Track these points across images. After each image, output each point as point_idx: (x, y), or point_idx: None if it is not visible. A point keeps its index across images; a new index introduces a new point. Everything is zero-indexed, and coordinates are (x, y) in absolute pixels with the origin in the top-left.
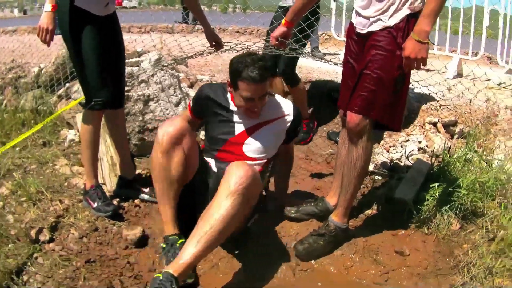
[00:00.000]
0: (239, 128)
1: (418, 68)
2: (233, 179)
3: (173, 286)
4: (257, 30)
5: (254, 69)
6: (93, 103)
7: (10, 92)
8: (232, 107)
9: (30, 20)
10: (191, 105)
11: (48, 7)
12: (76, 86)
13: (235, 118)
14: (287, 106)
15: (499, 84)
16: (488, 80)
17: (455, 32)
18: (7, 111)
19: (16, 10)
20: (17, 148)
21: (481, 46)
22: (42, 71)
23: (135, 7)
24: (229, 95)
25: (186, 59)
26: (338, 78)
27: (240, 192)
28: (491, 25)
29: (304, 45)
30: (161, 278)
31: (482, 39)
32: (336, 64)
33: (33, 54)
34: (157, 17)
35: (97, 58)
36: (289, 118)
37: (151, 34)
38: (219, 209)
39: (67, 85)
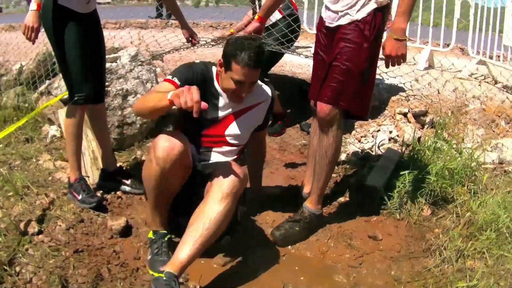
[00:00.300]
0: (224, 112)
1: (399, 64)
2: (227, 183)
3: (176, 285)
4: (230, 24)
5: (252, 54)
6: (76, 98)
7: None
8: (219, 89)
9: (6, 18)
10: (177, 81)
11: (33, 6)
12: (57, 82)
13: (221, 101)
14: (266, 90)
15: (470, 75)
16: (460, 71)
17: (426, 23)
18: None
19: None
20: (0, 145)
21: (452, 37)
22: (23, 69)
23: (109, 2)
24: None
25: (164, 54)
26: (310, 71)
27: (233, 195)
28: (463, 16)
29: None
30: (164, 278)
31: (453, 30)
32: (307, 56)
33: (12, 52)
34: (130, 12)
35: (79, 54)
36: (268, 102)
37: (126, 30)
38: (213, 212)
39: (47, 81)
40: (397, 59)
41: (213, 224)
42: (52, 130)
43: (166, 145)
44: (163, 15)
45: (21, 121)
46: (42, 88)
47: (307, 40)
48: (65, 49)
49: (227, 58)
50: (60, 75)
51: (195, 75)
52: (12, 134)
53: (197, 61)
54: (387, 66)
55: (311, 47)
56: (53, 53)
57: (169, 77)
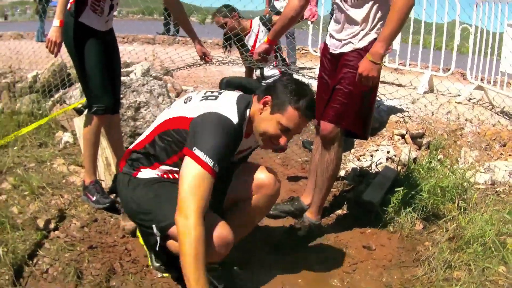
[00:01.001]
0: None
1: (368, 84)
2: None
3: None
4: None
5: (311, 103)
6: (95, 108)
7: (7, 96)
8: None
9: (12, 26)
10: (217, 168)
11: (56, 22)
12: (71, 92)
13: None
14: None
15: (469, 100)
16: (458, 95)
17: (428, 47)
18: (4, 114)
19: None
20: (15, 148)
21: (452, 61)
22: (38, 77)
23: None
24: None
25: (177, 70)
26: (313, 92)
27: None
28: (464, 40)
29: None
30: None
31: (453, 55)
32: (310, 77)
33: (24, 60)
34: (137, 27)
35: (99, 68)
36: None
37: (134, 44)
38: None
39: (62, 91)
40: (367, 79)
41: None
42: (66, 137)
43: (226, 235)
44: (171, 31)
45: (37, 122)
46: (56, 96)
47: (311, 62)
48: (86, 64)
49: (282, 99)
50: (75, 85)
51: (232, 147)
52: (27, 139)
53: (226, 113)
54: (357, 83)
55: (315, 68)
56: (68, 64)
57: (207, 160)
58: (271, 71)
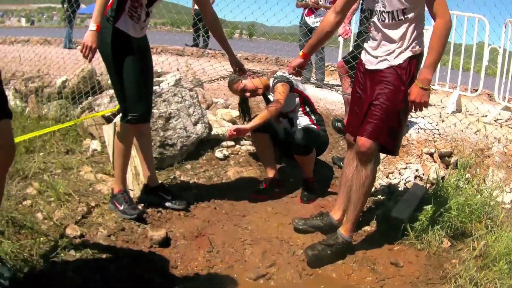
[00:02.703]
0: None
1: (421, 110)
2: None
3: None
4: (266, 58)
5: None
6: (130, 117)
7: (34, 100)
8: None
9: (38, 31)
10: None
11: (93, 26)
12: (100, 100)
13: None
14: None
15: (496, 120)
16: (485, 116)
17: (456, 68)
18: (31, 118)
19: (23, 20)
20: (41, 154)
21: (480, 82)
22: (67, 83)
23: None
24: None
25: (211, 82)
26: (343, 108)
27: None
28: (492, 62)
29: None
30: None
31: (481, 76)
32: (337, 91)
33: (52, 66)
34: (164, 38)
35: (136, 76)
36: None
37: (163, 55)
38: None
39: (90, 98)
40: (419, 106)
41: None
42: (94, 144)
43: None
44: (200, 44)
45: (65, 124)
46: (85, 103)
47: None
48: (122, 71)
49: None
50: (104, 92)
51: None
52: (53, 145)
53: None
54: (409, 110)
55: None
56: (98, 71)
57: None
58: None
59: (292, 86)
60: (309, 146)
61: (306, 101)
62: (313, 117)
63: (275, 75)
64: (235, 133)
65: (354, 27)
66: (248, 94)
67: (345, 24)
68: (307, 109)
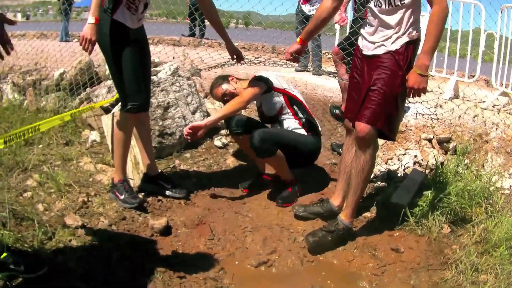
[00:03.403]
0: None
1: (419, 96)
2: None
3: None
4: (262, 47)
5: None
6: (129, 106)
7: (32, 93)
8: None
9: (34, 26)
10: None
11: (91, 19)
12: (98, 91)
13: None
14: None
15: (493, 106)
16: (483, 101)
17: (453, 54)
18: (29, 111)
19: (19, 15)
20: (41, 146)
21: (477, 68)
22: (65, 75)
23: None
24: None
25: (208, 69)
26: (341, 95)
27: None
28: (488, 47)
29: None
30: None
31: (478, 61)
32: (335, 77)
33: (49, 59)
34: (160, 29)
35: (134, 66)
36: None
37: (160, 46)
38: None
39: (88, 89)
40: (418, 92)
41: None
42: (93, 135)
43: None
44: (196, 34)
45: (64, 114)
46: (83, 95)
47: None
48: (119, 62)
49: None
50: (102, 83)
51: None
52: (52, 136)
53: None
54: (408, 96)
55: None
56: (95, 63)
57: None
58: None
59: (271, 88)
60: (266, 149)
61: (293, 101)
62: (303, 120)
63: (257, 75)
64: (190, 131)
65: (350, 14)
66: (229, 98)
67: (341, 12)
68: (296, 109)
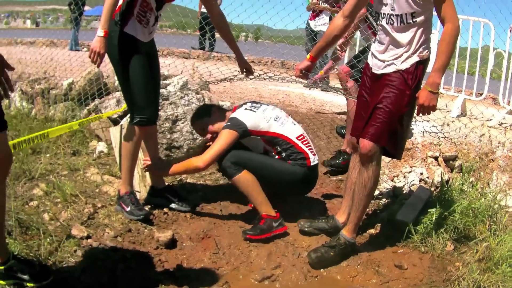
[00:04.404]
0: None
1: (428, 113)
2: None
3: None
4: (271, 62)
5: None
6: (138, 119)
7: (40, 102)
8: None
9: (44, 33)
10: None
11: (101, 32)
12: (107, 102)
13: None
14: None
15: (500, 124)
16: (490, 120)
17: (462, 71)
18: (37, 120)
19: (28, 21)
20: (48, 155)
21: (485, 86)
22: (73, 85)
23: None
24: None
25: (217, 83)
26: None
27: None
28: (497, 66)
29: None
30: None
31: (486, 80)
32: (344, 94)
33: (59, 68)
34: (170, 41)
35: (144, 79)
36: None
37: (169, 58)
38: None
39: (97, 100)
40: (428, 109)
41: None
42: (100, 146)
43: None
44: (206, 47)
45: (72, 123)
46: (92, 105)
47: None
48: (130, 74)
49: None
50: (111, 95)
51: None
52: (59, 146)
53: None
54: (418, 114)
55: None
56: (104, 74)
57: None
58: None
59: (245, 133)
60: (226, 167)
61: (274, 140)
62: (282, 155)
63: (231, 116)
64: (146, 166)
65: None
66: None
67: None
68: (279, 150)
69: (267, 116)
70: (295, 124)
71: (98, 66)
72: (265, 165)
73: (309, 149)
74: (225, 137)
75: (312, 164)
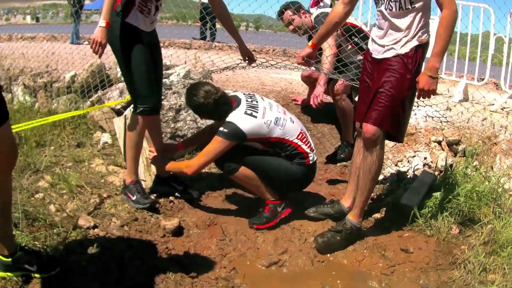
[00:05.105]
0: None
1: (429, 97)
2: None
3: None
4: (273, 50)
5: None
6: (141, 109)
7: (43, 95)
8: None
9: (44, 28)
10: None
11: (102, 23)
12: (110, 93)
13: None
14: None
15: (502, 109)
16: (492, 104)
17: (463, 57)
18: (40, 113)
19: (28, 17)
20: (52, 147)
21: (486, 71)
22: (76, 78)
23: None
24: None
25: (220, 71)
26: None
27: None
28: (498, 51)
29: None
30: None
31: (487, 65)
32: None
33: (61, 61)
34: (171, 32)
35: (146, 69)
36: None
37: (171, 49)
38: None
39: (100, 92)
40: (428, 93)
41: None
42: (104, 137)
43: None
44: (207, 37)
45: (74, 112)
46: (95, 97)
47: None
48: (132, 64)
49: None
50: (114, 86)
51: None
52: (64, 138)
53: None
54: (418, 98)
55: None
56: (107, 66)
57: None
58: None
59: (242, 142)
60: (225, 166)
61: (273, 144)
62: (282, 155)
63: (228, 120)
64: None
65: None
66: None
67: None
68: (277, 151)
69: (267, 121)
70: (293, 122)
71: (100, 56)
72: (262, 163)
73: (308, 147)
74: (218, 147)
75: (311, 162)
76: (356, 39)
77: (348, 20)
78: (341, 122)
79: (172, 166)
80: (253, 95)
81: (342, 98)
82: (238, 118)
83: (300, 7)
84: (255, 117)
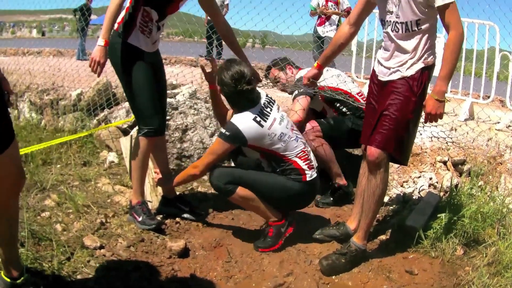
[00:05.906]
0: None
1: (436, 121)
2: None
3: None
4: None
5: None
6: (146, 130)
7: (50, 113)
8: None
9: (50, 42)
10: None
11: (101, 42)
12: (116, 112)
13: None
14: None
15: (508, 127)
16: (497, 123)
17: (468, 73)
18: (47, 131)
19: (34, 31)
20: (59, 166)
21: (492, 89)
22: (82, 95)
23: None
24: None
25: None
26: None
27: None
28: (504, 67)
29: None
30: None
31: (493, 82)
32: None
33: (67, 78)
34: (177, 48)
35: (149, 90)
36: None
37: (177, 66)
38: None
39: (106, 110)
40: (435, 117)
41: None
42: (111, 156)
43: None
44: (213, 55)
45: (81, 133)
46: (101, 116)
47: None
48: (134, 86)
49: None
50: (120, 105)
51: None
52: (70, 157)
53: None
54: (425, 122)
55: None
56: (113, 84)
57: None
58: None
59: (243, 145)
60: (221, 187)
61: (271, 156)
62: (277, 170)
63: (232, 120)
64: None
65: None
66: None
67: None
68: (273, 165)
69: (272, 133)
70: (297, 140)
71: (99, 76)
72: (259, 181)
73: (307, 164)
74: (220, 148)
75: (308, 179)
76: (338, 105)
77: (337, 86)
78: (325, 168)
79: (178, 177)
80: (273, 102)
81: (316, 142)
82: (244, 122)
83: (289, 64)
84: (262, 126)
